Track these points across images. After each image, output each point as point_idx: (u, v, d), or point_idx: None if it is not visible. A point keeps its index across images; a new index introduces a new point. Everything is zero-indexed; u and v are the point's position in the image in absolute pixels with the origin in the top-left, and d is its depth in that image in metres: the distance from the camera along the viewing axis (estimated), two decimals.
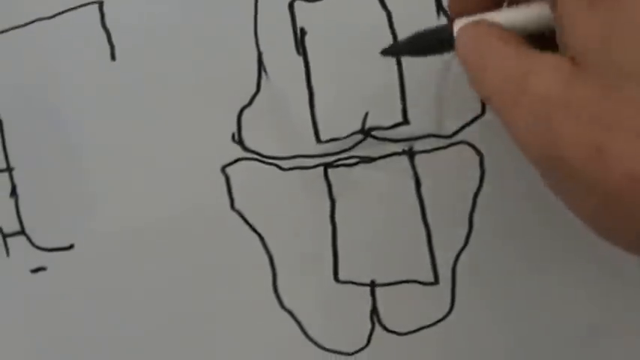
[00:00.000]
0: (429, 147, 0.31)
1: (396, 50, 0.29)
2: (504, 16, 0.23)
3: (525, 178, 0.29)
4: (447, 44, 0.24)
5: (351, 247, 0.32)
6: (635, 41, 0.17)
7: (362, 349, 0.33)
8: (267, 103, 0.32)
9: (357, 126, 0.31)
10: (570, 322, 0.31)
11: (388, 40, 0.30)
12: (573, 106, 0.18)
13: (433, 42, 0.26)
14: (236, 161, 0.32)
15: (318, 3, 0.31)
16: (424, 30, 0.26)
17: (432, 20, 0.30)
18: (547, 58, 0.19)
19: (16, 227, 0.35)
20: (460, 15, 0.24)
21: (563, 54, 0.19)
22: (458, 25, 0.24)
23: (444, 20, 0.30)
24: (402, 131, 0.31)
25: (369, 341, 0.33)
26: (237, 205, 0.33)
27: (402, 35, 0.30)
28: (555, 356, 0.32)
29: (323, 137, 0.31)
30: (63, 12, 0.33)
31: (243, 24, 0.31)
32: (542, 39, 0.22)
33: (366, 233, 0.32)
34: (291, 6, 0.31)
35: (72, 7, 0.33)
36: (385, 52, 0.28)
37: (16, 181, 0.34)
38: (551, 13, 0.20)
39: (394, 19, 0.30)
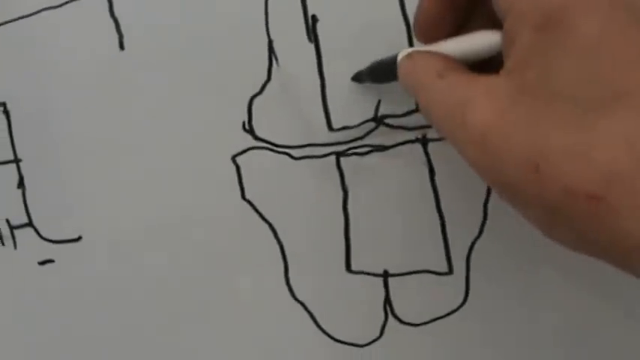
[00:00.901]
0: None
1: (360, 78, 0.30)
2: (452, 45, 0.24)
3: None
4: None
5: (363, 237, 0.32)
6: (573, 65, 0.18)
7: (375, 340, 0.32)
8: (278, 91, 0.31)
9: (370, 114, 0.31)
10: (587, 311, 0.31)
11: (400, 26, 0.30)
12: (510, 132, 0.19)
13: (390, 71, 0.27)
14: (246, 150, 0.32)
15: None
16: (382, 59, 0.28)
17: None
18: (481, 86, 0.21)
19: (24, 219, 0.34)
20: (425, 41, 0.26)
21: (505, 66, 0.20)
22: (401, 54, 0.26)
23: None
24: (416, 119, 0.31)
25: (382, 332, 0.32)
26: (247, 194, 0.32)
27: (413, 19, 0.29)
28: (572, 345, 0.31)
29: (335, 125, 0.31)
30: (70, 1, 0.32)
31: (253, 11, 0.31)
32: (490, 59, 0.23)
33: (378, 223, 0.32)
34: None
35: None
36: (353, 79, 0.30)
37: (24, 172, 0.34)
38: (498, 39, 0.22)
39: (406, 4, 0.30)
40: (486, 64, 0.23)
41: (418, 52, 0.25)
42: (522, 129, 0.19)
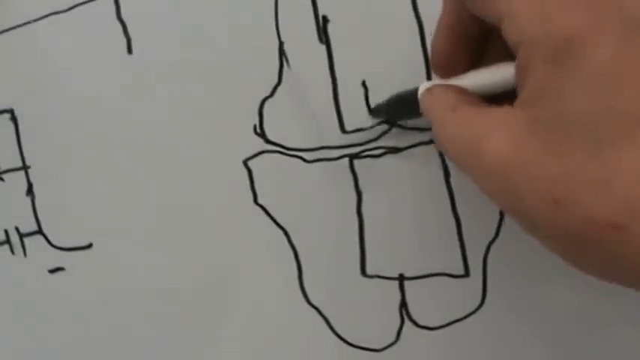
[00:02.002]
0: None
1: (378, 112, 0.30)
2: (470, 78, 0.24)
3: None
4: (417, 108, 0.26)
5: (378, 240, 0.31)
6: (587, 95, 0.18)
7: (391, 344, 0.32)
8: (290, 93, 0.31)
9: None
10: (607, 311, 0.31)
11: (412, 25, 0.30)
12: (526, 164, 0.19)
13: (410, 105, 0.27)
14: (258, 154, 0.31)
15: None
16: (400, 93, 0.28)
17: None
18: (495, 118, 0.20)
19: (33, 227, 0.34)
20: (442, 76, 0.26)
21: (519, 98, 0.20)
22: (421, 89, 0.26)
23: None
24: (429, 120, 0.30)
25: (398, 336, 0.32)
26: (260, 199, 0.32)
27: (425, 18, 0.30)
28: (592, 346, 0.31)
29: (348, 127, 0.31)
30: (77, 5, 0.32)
31: (263, 13, 0.31)
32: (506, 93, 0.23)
33: (393, 226, 0.31)
34: None
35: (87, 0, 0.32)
36: (372, 113, 0.30)
37: (32, 179, 0.34)
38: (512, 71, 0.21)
39: (418, 3, 0.30)
40: (505, 96, 0.23)
41: (437, 86, 0.25)
42: (539, 161, 0.19)
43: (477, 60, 0.25)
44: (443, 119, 0.23)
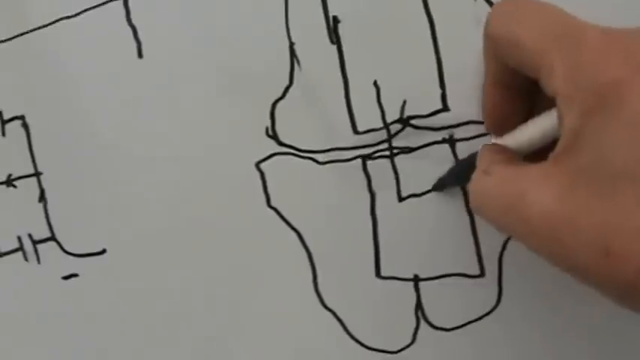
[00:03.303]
0: (470, 134, 0.30)
1: (442, 186, 0.30)
2: (520, 134, 0.24)
3: None
4: None
5: (392, 241, 0.31)
6: (627, 143, 0.18)
7: (407, 346, 0.32)
8: (301, 95, 0.31)
9: (395, 115, 0.30)
10: (624, 312, 0.30)
11: (423, 22, 0.29)
12: (573, 216, 0.19)
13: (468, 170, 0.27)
14: (271, 156, 0.31)
15: None
16: (460, 160, 0.29)
17: (467, 2, 0.29)
18: (534, 175, 0.20)
19: (46, 233, 0.34)
20: (498, 134, 0.26)
21: (556, 151, 0.20)
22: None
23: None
24: (442, 118, 0.30)
25: (414, 338, 0.31)
26: (273, 202, 0.32)
27: (437, 17, 0.29)
28: (610, 344, 0.31)
29: (360, 128, 0.30)
30: (87, 9, 0.32)
31: (273, 14, 0.30)
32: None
33: (407, 226, 0.31)
34: None
35: (96, 4, 0.32)
36: (434, 189, 0.30)
37: (44, 185, 0.33)
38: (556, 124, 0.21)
39: (429, 2, 0.29)
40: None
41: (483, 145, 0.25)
42: (585, 213, 0.18)
43: (530, 112, 0.25)
44: (474, 182, 0.23)
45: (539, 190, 0.20)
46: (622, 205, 0.18)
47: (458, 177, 0.29)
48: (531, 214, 0.20)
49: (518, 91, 0.25)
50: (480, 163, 0.24)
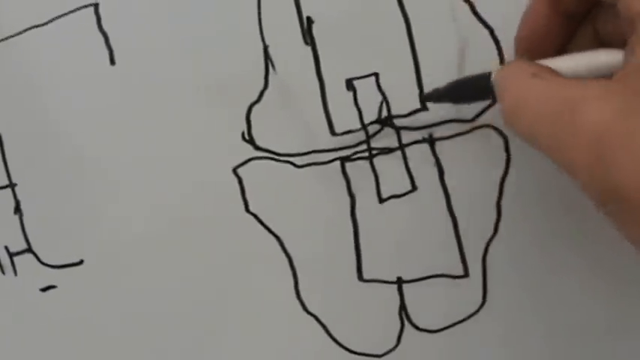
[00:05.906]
0: (450, 133, 0.29)
1: (437, 96, 0.28)
2: (564, 62, 0.23)
3: None
4: (487, 91, 0.24)
5: (374, 243, 0.31)
6: None
7: (392, 349, 0.31)
8: (277, 98, 0.30)
9: (373, 116, 0.30)
10: (608, 310, 0.30)
11: (400, 24, 0.29)
12: (632, 134, 0.17)
13: (473, 89, 0.26)
14: (248, 161, 0.31)
15: None
16: (464, 77, 0.27)
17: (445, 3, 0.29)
18: (595, 87, 0.19)
19: (23, 245, 0.33)
20: (525, 53, 0.24)
21: (625, 71, 0.19)
22: (494, 72, 0.24)
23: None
24: (421, 118, 0.29)
25: (399, 341, 0.31)
26: (252, 207, 0.31)
27: (412, 15, 0.29)
28: (593, 345, 0.30)
29: (338, 130, 0.30)
30: (57, 17, 0.31)
31: (246, 17, 0.30)
32: None
33: (389, 228, 0.31)
34: None
35: (66, 12, 0.31)
36: (426, 98, 0.28)
37: (20, 197, 0.33)
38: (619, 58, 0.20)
39: (404, 1, 0.29)
40: None
41: (518, 59, 0.24)
42: None
43: (563, 46, 0.24)
44: (519, 82, 0.21)
45: (598, 102, 0.18)
46: None
47: (456, 92, 0.27)
48: (583, 124, 0.18)
49: (565, 19, 0.24)
50: (527, 68, 0.22)
